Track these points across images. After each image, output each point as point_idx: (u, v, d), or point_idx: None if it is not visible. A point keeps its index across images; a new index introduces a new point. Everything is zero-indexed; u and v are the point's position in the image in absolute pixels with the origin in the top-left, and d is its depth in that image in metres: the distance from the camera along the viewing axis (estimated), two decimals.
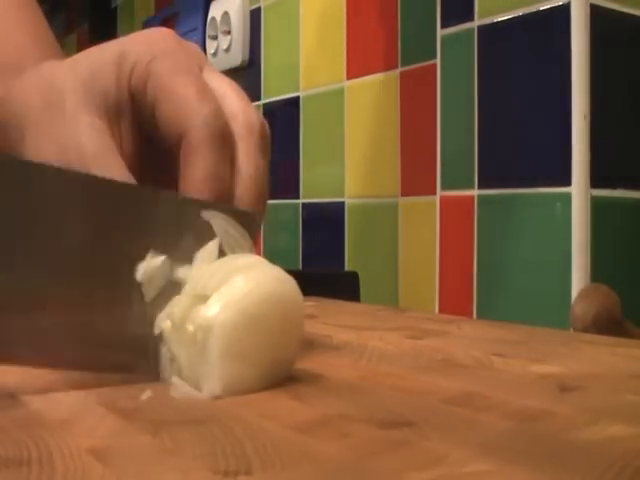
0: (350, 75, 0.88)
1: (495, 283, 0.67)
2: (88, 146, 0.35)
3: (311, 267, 0.96)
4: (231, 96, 0.37)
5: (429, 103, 0.75)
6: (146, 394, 0.28)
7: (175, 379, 0.29)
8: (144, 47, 0.37)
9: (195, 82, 0.36)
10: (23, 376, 0.31)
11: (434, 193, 0.73)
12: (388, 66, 0.82)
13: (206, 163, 0.34)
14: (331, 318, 0.49)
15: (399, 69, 0.81)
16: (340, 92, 0.90)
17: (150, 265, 0.30)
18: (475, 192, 0.68)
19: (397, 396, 0.29)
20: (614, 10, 0.63)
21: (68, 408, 0.26)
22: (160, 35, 0.38)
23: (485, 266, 0.68)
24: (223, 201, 0.34)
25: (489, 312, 0.67)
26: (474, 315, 0.68)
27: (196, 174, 0.34)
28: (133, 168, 0.36)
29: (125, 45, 0.38)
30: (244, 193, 0.35)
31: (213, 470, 0.20)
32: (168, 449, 0.22)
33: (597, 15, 0.61)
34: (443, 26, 0.72)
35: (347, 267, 0.88)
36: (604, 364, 0.36)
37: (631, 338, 0.47)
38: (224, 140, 0.35)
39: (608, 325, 0.51)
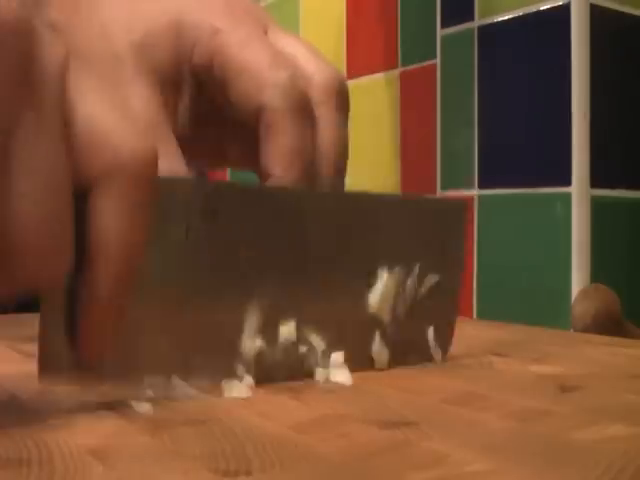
0: (350, 75, 0.88)
1: (495, 283, 0.67)
2: (140, 116, 0.34)
3: None
4: (303, 55, 0.35)
5: (429, 103, 0.75)
6: (146, 394, 0.28)
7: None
8: (203, 16, 0.35)
9: (264, 51, 0.34)
10: (23, 376, 0.31)
11: (434, 193, 0.73)
12: (388, 66, 0.82)
13: (288, 138, 0.33)
14: None
15: (399, 69, 0.81)
16: None
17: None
18: (475, 192, 0.68)
19: (397, 396, 0.29)
20: (614, 10, 0.63)
21: (68, 408, 0.26)
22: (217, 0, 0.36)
23: (485, 266, 0.68)
24: (307, 173, 0.34)
25: (489, 312, 0.67)
26: (474, 315, 0.68)
27: (279, 150, 0.33)
28: (186, 138, 0.35)
29: (182, 13, 0.35)
30: (325, 162, 0.34)
31: (213, 470, 0.20)
32: (168, 449, 0.22)
33: (597, 15, 0.61)
34: (443, 26, 0.72)
35: None
36: (604, 364, 0.36)
37: (631, 338, 0.47)
38: (304, 111, 0.34)
39: (608, 325, 0.51)
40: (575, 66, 0.60)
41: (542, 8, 0.63)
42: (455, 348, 0.38)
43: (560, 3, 0.61)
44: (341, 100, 0.35)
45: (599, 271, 0.61)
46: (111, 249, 0.24)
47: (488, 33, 0.67)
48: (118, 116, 0.24)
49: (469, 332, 0.45)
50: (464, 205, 0.36)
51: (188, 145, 0.36)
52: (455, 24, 0.71)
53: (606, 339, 0.43)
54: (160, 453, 0.21)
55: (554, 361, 0.35)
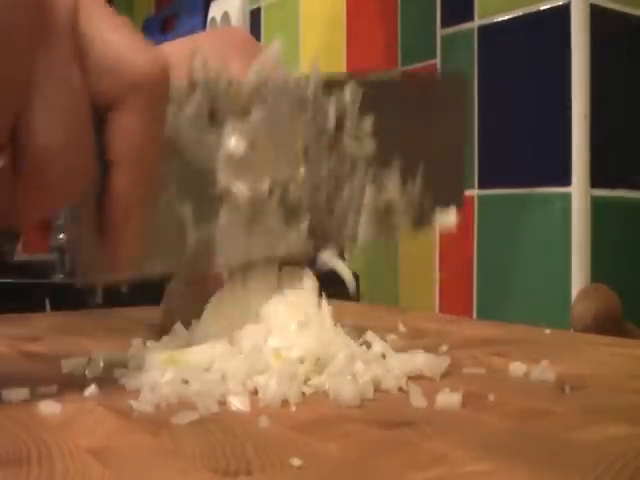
0: None
1: (495, 283, 0.67)
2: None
3: (311, 267, 0.96)
4: None
5: None
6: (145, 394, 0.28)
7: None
8: (216, 47, 0.38)
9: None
10: (23, 376, 0.31)
11: None
12: (388, 66, 0.82)
13: None
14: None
15: (399, 69, 0.81)
16: None
17: None
18: (475, 192, 0.68)
19: (397, 396, 0.29)
20: (614, 10, 0.63)
21: (68, 408, 0.26)
22: (233, 36, 0.41)
23: (485, 266, 0.68)
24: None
25: (489, 312, 0.67)
26: (474, 315, 0.68)
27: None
28: None
29: (200, 41, 0.40)
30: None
31: (213, 470, 0.20)
32: (168, 449, 0.22)
33: (597, 15, 0.61)
34: (443, 26, 0.72)
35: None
36: (604, 364, 0.36)
37: (631, 338, 0.47)
38: None
39: (608, 325, 0.51)
40: (575, 66, 0.60)
41: (542, 8, 0.63)
42: (455, 348, 0.38)
43: (560, 3, 0.61)
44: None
45: (599, 271, 0.61)
46: (133, 157, 0.27)
47: (488, 33, 0.67)
48: (130, 41, 0.27)
49: (469, 332, 0.45)
50: (463, 75, 0.42)
51: None
52: (455, 24, 0.71)
53: (606, 339, 0.43)
54: (160, 453, 0.21)
55: (554, 361, 0.35)
